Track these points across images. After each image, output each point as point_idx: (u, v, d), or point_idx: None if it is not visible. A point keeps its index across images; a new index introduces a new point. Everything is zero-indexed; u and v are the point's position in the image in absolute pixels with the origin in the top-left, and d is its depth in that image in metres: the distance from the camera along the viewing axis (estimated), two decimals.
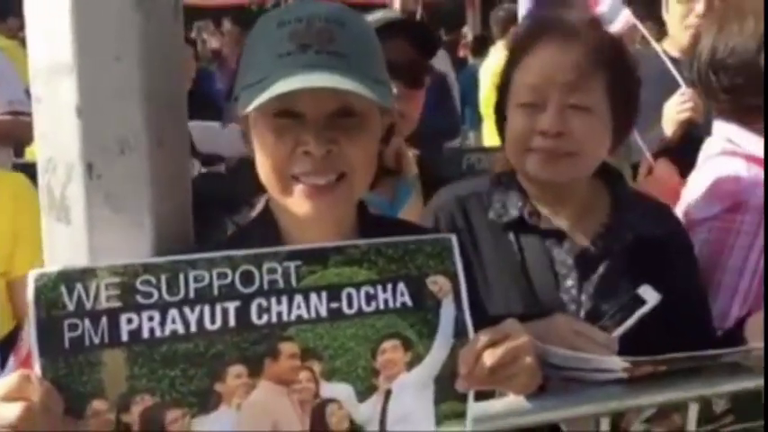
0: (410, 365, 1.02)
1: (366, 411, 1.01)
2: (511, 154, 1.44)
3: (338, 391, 1.00)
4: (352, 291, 1.00)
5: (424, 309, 1.03)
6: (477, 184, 1.53)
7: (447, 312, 1.04)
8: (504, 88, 1.47)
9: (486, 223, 1.45)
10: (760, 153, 1.62)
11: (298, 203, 1.09)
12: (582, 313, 1.38)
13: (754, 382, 1.23)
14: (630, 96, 1.44)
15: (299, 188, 1.08)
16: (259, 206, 1.21)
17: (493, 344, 1.02)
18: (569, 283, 1.41)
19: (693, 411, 1.19)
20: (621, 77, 1.41)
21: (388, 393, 1.02)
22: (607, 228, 1.44)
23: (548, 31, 1.41)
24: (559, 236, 1.44)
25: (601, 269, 1.41)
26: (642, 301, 1.28)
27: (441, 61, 4.93)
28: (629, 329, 1.30)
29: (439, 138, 4.07)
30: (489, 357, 1.01)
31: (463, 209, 1.47)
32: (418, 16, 4.09)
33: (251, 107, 1.03)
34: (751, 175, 1.58)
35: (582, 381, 1.15)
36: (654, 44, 2.23)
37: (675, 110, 2.18)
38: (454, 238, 1.06)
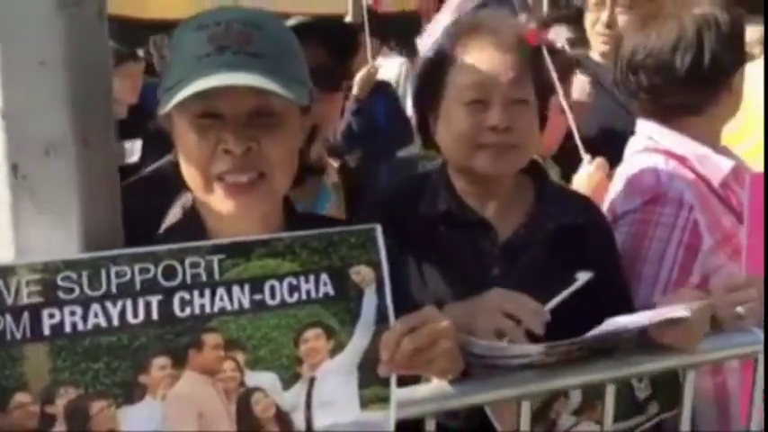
0: (333, 353, 1.06)
1: (291, 399, 1.04)
2: (456, 150, 1.51)
3: (263, 379, 1.03)
4: (275, 282, 1.04)
5: (346, 298, 1.07)
6: (413, 180, 1.59)
7: (369, 301, 1.08)
8: (435, 89, 1.53)
9: (419, 217, 1.52)
10: (678, 149, 1.70)
11: (220, 202, 1.13)
12: None
13: (673, 361, 1.30)
14: (548, 95, 1.55)
15: (221, 186, 1.12)
16: (174, 211, 1.24)
17: (412, 329, 1.07)
18: (495, 271, 1.49)
19: (611, 394, 1.25)
20: (542, 76, 1.53)
21: (312, 381, 1.06)
22: (530, 218, 1.52)
23: (480, 32, 1.50)
24: (486, 227, 1.51)
25: (524, 257, 1.49)
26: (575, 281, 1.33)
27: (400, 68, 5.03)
28: (558, 318, 1.35)
29: (392, 145, 4.15)
30: (409, 342, 1.05)
31: (399, 203, 1.55)
32: (366, 26, 4.17)
33: (169, 106, 1.07)
34: (669, 170, 1.67)
35: (503, 368, 1.20)
36: (567, 50, 2.33)
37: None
38: (378, 229, 1.10)
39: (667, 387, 1.37)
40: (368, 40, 4.12)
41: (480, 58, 1.47)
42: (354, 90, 4.10)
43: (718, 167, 1.67)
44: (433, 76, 1.54)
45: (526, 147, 1.49)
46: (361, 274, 1.08)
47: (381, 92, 4.04)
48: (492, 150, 1.46)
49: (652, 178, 1.67)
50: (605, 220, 1.62)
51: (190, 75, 1.06)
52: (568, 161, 2.04)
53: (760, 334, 1.33)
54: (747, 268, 1.40)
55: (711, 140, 1.72)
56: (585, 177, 1.94)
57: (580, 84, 2.19)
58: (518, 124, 1.45)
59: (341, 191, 1.83)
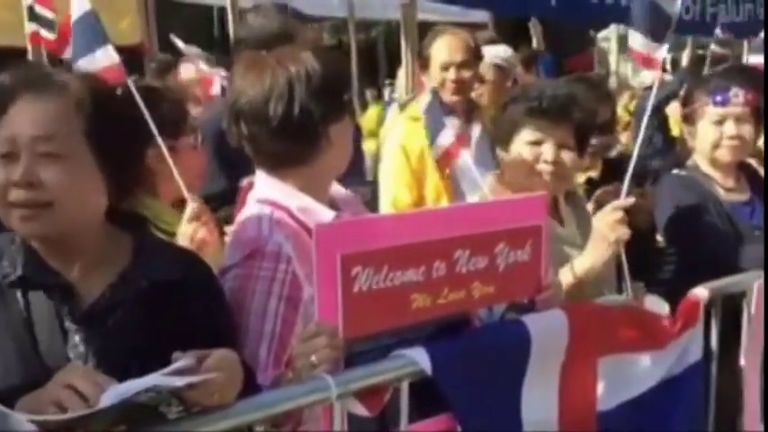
0: None
1: None
2: None
3: None
4: None
5: None
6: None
7: None
8: None
9: None
10: (283, 200, 1.72)
11: None
12: None
13: (237, 419, 1.28)
14: (119, 145, 1.44)
15: None
16: None
17: None
18: (76, 339, 1.39)
19: None
20: (107, 126, 1.41)
21: None
22: (122, 277, 1.44)
23: (26, 84, 1.40)
24: (68, 291, 1.41)
25: (110, 321, 1.41)
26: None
27: None
28: None
29: None
30: None
31: None
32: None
33: None
34: (272, 222, 1.68)
35: None
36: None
37: None
38: None
39: None
40: None
41: (17, 109, 1.38)
42: None
43: (320, 219, 1.71)
44: None
45: (64, 204, 1.37)
46: None
47: None
48: (19, 209, 1.36)
49: (254, 231, 1.67)
50: (208, 274, 1.60)
51: None
52: None
53: (330, 380, 1.36)
54: (320, 316, 1.43)
55: (317, 191, 1.76)
56: (186, 230, 1.91)
57: None
58: (50, 180, 1.35)
59: None
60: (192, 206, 1.93)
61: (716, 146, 2.55)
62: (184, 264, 1.54)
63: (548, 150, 2.16)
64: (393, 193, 3.08)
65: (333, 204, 1.81)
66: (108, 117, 1.42)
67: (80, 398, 1.16)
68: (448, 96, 3.18)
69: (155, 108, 1.97)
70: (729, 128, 2.52)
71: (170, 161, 1.95)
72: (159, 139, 1.94)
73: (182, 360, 1.23)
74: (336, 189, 1.89)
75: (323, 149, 1.73)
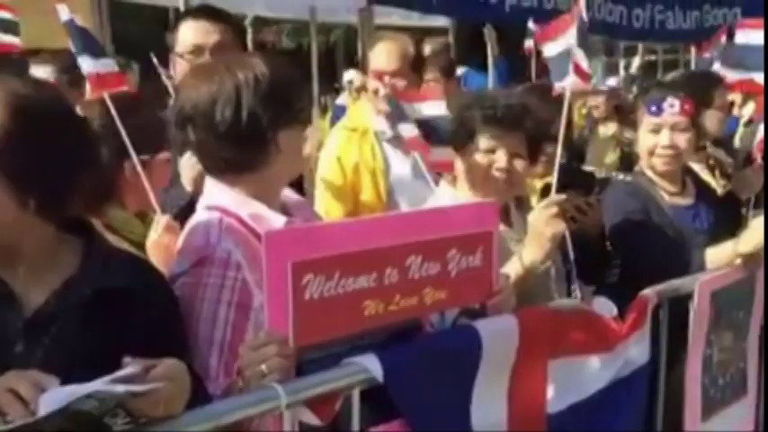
0: None
1: None
2: None
3: None
4: None
5: None
6: None
7: None
8: None
9: None
10: (233, 207, 1.70)
11: None
12: None
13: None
14: (44, 164, 1.36)
15: None
16: None
17: None
18: (18, 348, 1.35)
19: None
20: (32, 143, 1.34)
21: None
22: (66, 284, 1.41)
23: None
24: (9, 298, 1.37)
25: (53, 328, 1.37)
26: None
27: None
28: None
29: None
30: None
31: None
32: None
33: None
34: (221, 229, 1.66)
35: None
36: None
37: None
38: None
39: None
40: None
41: None
42: None
43: (271, 225, 1.70)
44: None
45: None
46: None
47: None
48: None
49: (201, 239, 1.65)
50: (161, 281, 1.57)
51: None
52: None
53: (280, 389, 1.35)
54: (270, 324, 1.42)
55: (268, 198, 1.74)
56: (154, 240, 1.87)
57: None
58: None
59: None
60: (165, 217, 1.91)
61: (651, 154, 2.63)
62: (136, 271, 1.51)
63: (501, 158, 2.20)
64: (325, 205, 2.94)
65: (284, 209, 1.80)
66: (39, 133, 1.35)
67: (20, 402, 1.14)
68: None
69: (133, 121, 1.92)
70: (664, 137, 2.59)
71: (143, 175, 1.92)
72: (132, 155, 1.91)
73: (129, 367, 1.21)
74: (287, 194, 1.88)
75: (272, 156, 1.71)
